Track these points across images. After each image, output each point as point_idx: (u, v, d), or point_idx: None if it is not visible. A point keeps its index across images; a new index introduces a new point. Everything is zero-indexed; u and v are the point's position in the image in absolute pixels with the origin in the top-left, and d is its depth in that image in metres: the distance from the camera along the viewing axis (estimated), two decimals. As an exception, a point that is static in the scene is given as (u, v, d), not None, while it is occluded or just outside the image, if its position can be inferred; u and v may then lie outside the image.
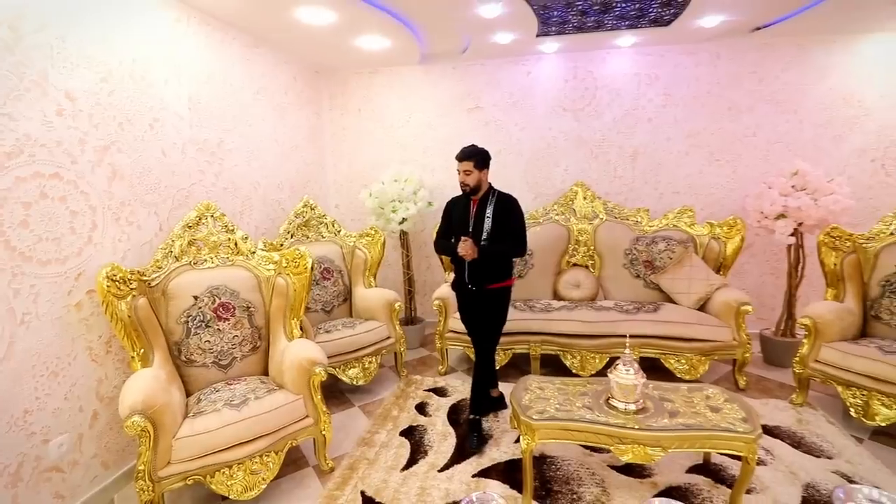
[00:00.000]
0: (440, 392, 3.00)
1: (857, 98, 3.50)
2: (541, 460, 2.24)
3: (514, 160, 4.05)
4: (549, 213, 3.75)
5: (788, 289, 3.31)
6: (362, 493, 2.06)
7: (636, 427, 1.79)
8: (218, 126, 2.82)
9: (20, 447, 1.73)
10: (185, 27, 2.55)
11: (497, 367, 3.12)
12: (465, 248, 2.32)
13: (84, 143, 1.98)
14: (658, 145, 3.83)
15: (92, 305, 2.02)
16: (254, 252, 2.50)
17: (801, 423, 2.50)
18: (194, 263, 2.33)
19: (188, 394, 2.15)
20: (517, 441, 2.41)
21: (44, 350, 1.82)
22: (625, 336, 2.92)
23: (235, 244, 2.46)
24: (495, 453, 2.33)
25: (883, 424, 2.28)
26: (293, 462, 2.30)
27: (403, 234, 3.77)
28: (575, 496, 1.99)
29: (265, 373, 2.40)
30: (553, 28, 3.22)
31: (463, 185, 2.39)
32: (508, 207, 2.42)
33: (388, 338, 3.13)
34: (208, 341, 2.23)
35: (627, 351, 1.96)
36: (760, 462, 2.18)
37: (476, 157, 2.34)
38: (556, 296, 3.53)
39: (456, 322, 3.17)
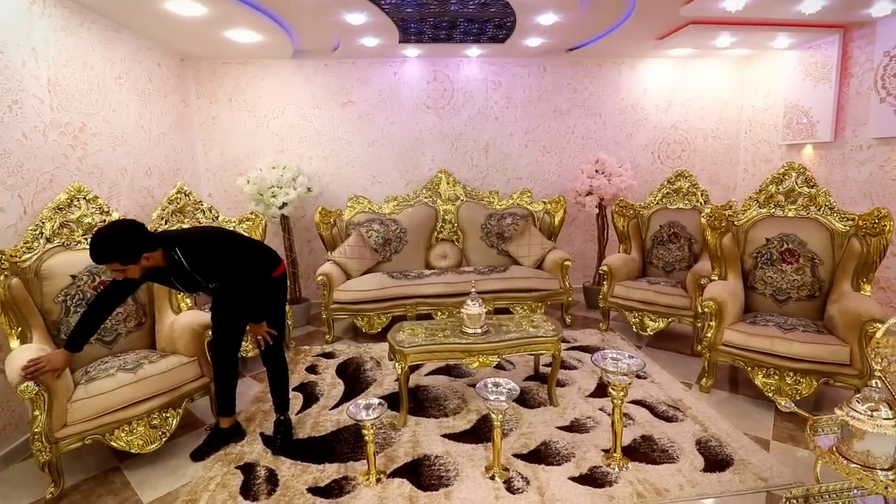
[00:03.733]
0: (328, 356, 3.35)
1: (640, 106, 4.68)
2: (416, 390, 2.75)
3: (387, 151, 4.51)
4: (419, 196, 4.30)
5: (599, 249, 4.33)
6: (261, 434, 2.35)
7: (480, 342, 2.40)
8: (80, 110, 2.78)
9: None
10: (41, 9, 2.50)
11: (377, 330, 3.58)
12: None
13: (-66, 121, 1.93)
14: (504, 139, 4.62)
15: (-46, 287, 1.97)
16: (133, 233, 2.57)
17: (604, 342, 3.42)
18: (67, 245, 2.35)
19: (71, 370, 2.20)
20: (397, 380, 2.90)
21: None
22: (483, 293, 3.59)
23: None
24: (378, 391, 2.78)
25: (651, 333, 3.28)
26: (189, 425, 2.47)
27: (284, 218, 3.99)
28: (441, 407, 2.54)
29: (151, 347, 2.51)
30: (412, 36, 3.74)
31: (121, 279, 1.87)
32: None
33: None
34: (91, 318, 2.29)
35: (473, 290, 2.56)
36: (573, 367, 2.99)
37: (116, 255, 1.73)
38: (428, 266, 4.10)
39: (341, 293, 3.55)
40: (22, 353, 1.87)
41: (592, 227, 4.76)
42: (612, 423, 2.01)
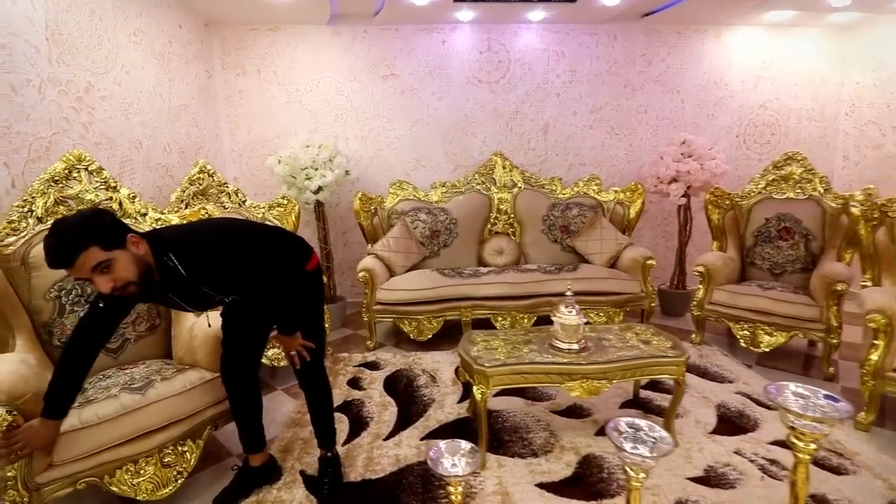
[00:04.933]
0: (372, 366, 2.84)
1: (725, 82, 4.05)
2: (487, 416, 2.21)
3: (433, 131, 3.97)
4: (471, 182, 3.75)
5: (679, 246, 3.73)
6: (302, 472, 1.84)
7: (584, 363, 1.84)
8: (86, 67, 2.31)
9: None
10: (37, -68, 2.02)
11: (428, 337, 3.05)
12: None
13: None
14: (566, 119, 4.04)
15: (-88, 278, 1.50)
16: (144, 214, 2.09)
17: (703, 358, 2.82)
18: (65, 227, 1.87)
19: (66, 385, 1.72)
20: (460, 401, 2.37)
21: None
22: (550, 295, 3.04)
23: (120, 204, 2.03)
24: (440, 415, 2.25)
25: (767, 350, 2.67)
26: (211, 454, 1.98)
27: (319, 205, 3.49)
28: (526, 442, 2.00)
29: (167, 356, 2.03)
30: (471, -7, 3.19)
31: (113, 291, 1.25)
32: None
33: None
34: (91, 320, 1.81)
35: (569, 293, 2.01)
36: (676, 392, 2.41)
37: (91, 235, 1.18)
38: (481, 263, 3.55)
39: (384, 293, 3.03)
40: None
41: (665, 221, 4.15)
42: (793, 483, 1.44)
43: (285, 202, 3.13)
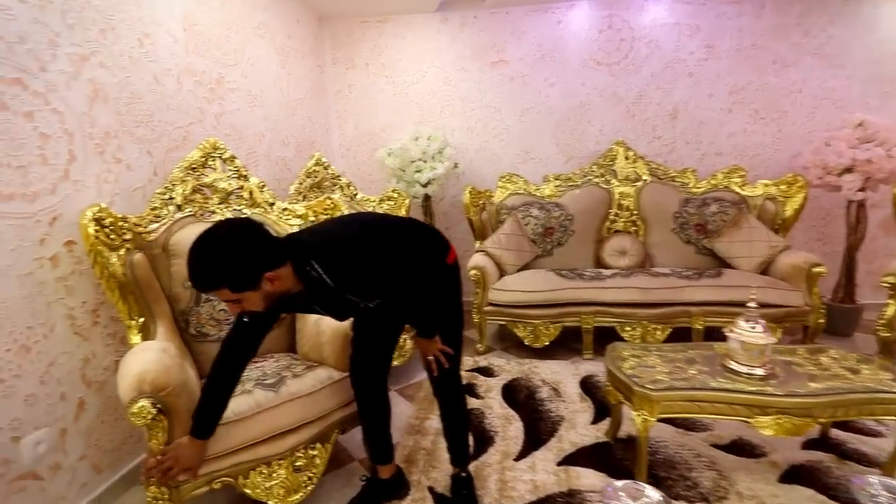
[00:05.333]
0: (485, 372, 2.62)
1: (909, 50, 3.29)
2: (628, 442, 1.89)
3: (544, 119, 3.68)
4: (589, 174, 3.40)
5: (847, 251, 3.08)
6: (430, 489, 1.66)
7: (779, 394, 1.46)
8: (217, 58, 2.34)
9: (-22, 449, 1.25)
10: (181, -76, 2.05)
11: (544, 344, 2.78)
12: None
13: (56, 47, 1.49)
14: (699, 102, 3.53)
15: (72, 262, 1.53)
16: (272, 203, 2.04)
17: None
18: (200, 215, 1.86)
19: (200, 376, 1.69)
20: (594, 422, 2.07)
21: (9, 316, 1.33)
22: (689, 304, 2.62)
23: (250, 193, 2.00)
24: (574, 436, 1.97)
25: None
26: (333, 458, 1.87)
27: (427, 199, 3.35)
28: (690, 482, 1.65)
29: (291, 350, 1.96)
30: (600, -39, 2.85)
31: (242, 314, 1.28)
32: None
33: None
34: (223, 310, 1.78)
35: (753, 304, 1.62)
36: (877, 433, 1.90)
37: (224, 277, 1.10)
38: (600, 264, 3.19)
39: (496, 293, 2.80)
40: (140, 356, 1.35)
41: (821, 223, 3.48)
42: None
43: (396, 196, 3.01)
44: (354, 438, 1.84)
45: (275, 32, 2.92)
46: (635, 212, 3.29)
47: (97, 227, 1.44)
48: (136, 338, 1.51)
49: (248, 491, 1.42)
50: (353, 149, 3.88)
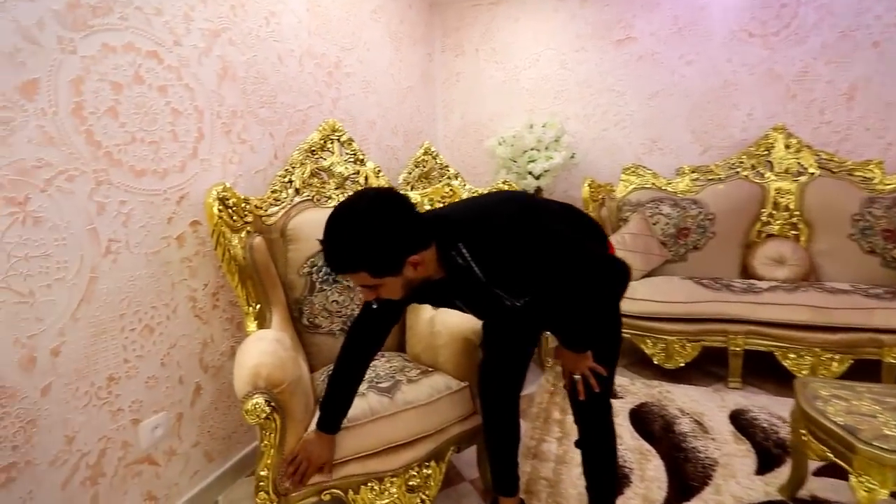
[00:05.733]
0: (606, 390, 2.28)
1: None
2: (815, 505, 1.46)
3: (677, 103, 3.19)
4: (736, 167, 2.88)
5: None
6: (559, 532, 1.39)
7: None
8: (336, 41, 2.26)
9: (102, 428, 1.23)
10: None
11: (678, 365, 2.35)
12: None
13: (190, 21, 1.45)
14: (887, 78, 2.82)
15: (196, 242, 1.50)
16: (387, 190, 1.90)
17: None
18: (317, 200, 1.77)
19: (311, 367, 1.59)
20: (760, 472, 1.64)
21: (136, 294, 1.31)
22: (881, 331, 2.05)
23: (366, 179, 1.88)
24: (734, 488, 1.57)
25: None
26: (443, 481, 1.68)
27: (538, 192, 3.06)
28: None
29: (400, 349, 1.80)
30: None
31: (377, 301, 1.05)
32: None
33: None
34: (336, 301, 1.66)
35: None
36: None
37: (363, 259, 0.92)
38: (749, 274, 2.67)
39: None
40: (256, 347, 1.25)
41: None
42: None
43: (507, 187, 2.76)
44: (466, 455, 1.63)
45: (389, 17, 2.82)
46: (797, 212, 2.71)
47: (221, 207, 1.38)
48: (251, 325, 1.43)
49: (357, 507, 1.27)
50: (457, 140, 3.71)
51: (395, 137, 2.94)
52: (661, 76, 3.20)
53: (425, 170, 2.75)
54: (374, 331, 1.21)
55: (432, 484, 1.36)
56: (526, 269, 0.99)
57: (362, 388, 1.35)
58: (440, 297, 1.15)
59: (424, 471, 1.34)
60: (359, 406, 1.28)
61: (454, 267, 0.99)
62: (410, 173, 2.68)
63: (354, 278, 0.96)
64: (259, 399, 1.12)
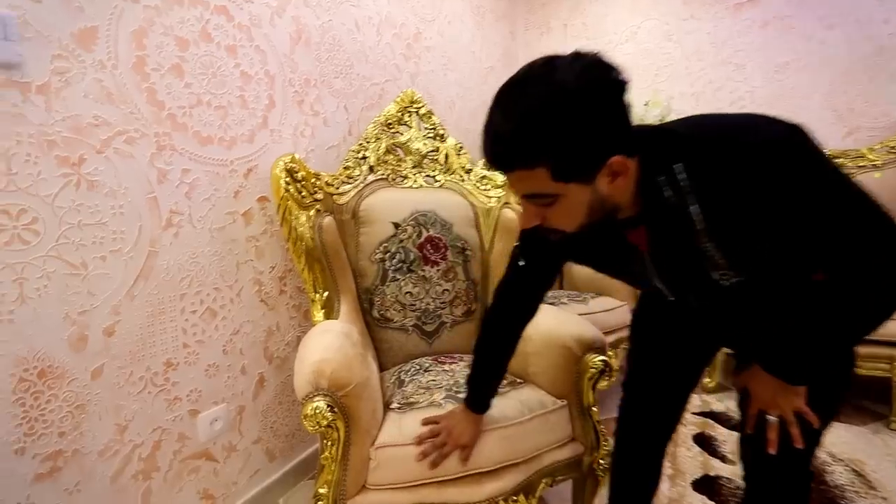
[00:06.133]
0: (719, 419, 1.88)
1: None
2: None
3: (812, 77, 2.65)
4: (898, 149, 2.31)
5: None
6: None
7: None
8: (416, 10, 2.07)
9: (157, 418, 1.11)
10: None
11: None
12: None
13: (264, -23, 1.32)
14: None
15: (263, 220, 1.37)
16: (469, 170, 1.68)
17: None
18: (392, 179, 1.58)
19: (381, 366, 1.40)
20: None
21: (197, 273, 1.19)
22: None
23: (445, 157, 1.66)
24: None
25: None
26: None
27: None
28: None
29: (479, 351, 1.57)
30: None
31: (546, 233, 0.72)
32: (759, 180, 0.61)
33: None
34: (409, 293, 1.46)
35: None
36: None
37: (550, 151, 0.60)
38: None
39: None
40: (321, 340, 1.08)
41: None
42: None
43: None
44: (562, 489, 1.34)
45: (472, -12, 2.60)
46: None
47: (288, 179, 1.23)
48: (318, 314, 1.27)
49: (430, 543, 1.05)
50: (541, 126, 3.39)
51: (474, 121, 2.70)
52: (793, 44, 2.67)
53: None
54: (524, 295, 0.98)
55: (520, 521, 1.10)
56: (779, 225, 0.62)
57: (438, 396, 1.14)
58: (616, 254, 0.81)
59: (512, 505, 1.09)
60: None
61: (656, 203, 0.66)
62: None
63: (523, 181, 0.65)
64: (320, 403, 0.94)
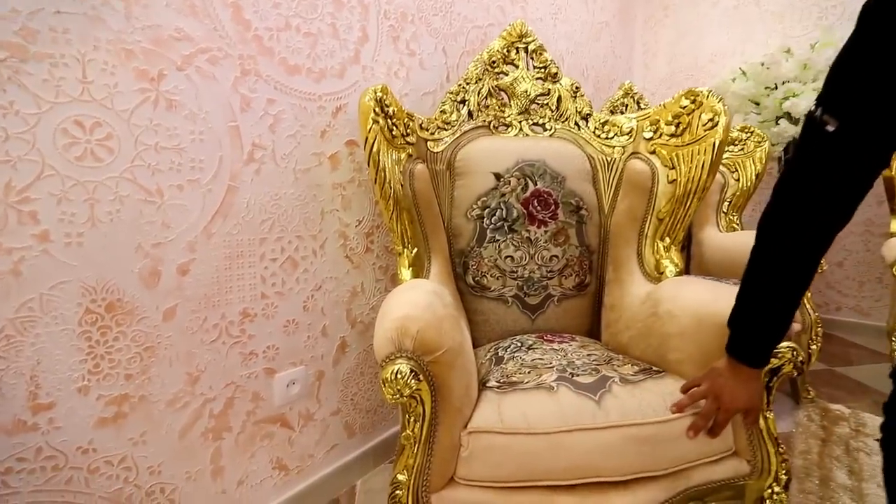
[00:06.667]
0: (932, 453, 1.38)
1: None
2: None
3: None
4: None
5: None
6: None
7: None
8: (527, -51, 1.83)
9: (231, 373, 1.01)
10: None
11: None
12: None
13: None
14: None
15: (352, 167, 1.23)
16: (587, 116, 1.39)
17: None
18: (495, 127, 1.36)
19: (474, 342, 1.19)
20: None
21: (279, 217, 1.07)
22: None
23: (558, 101, 1.40)
24: None
25: None
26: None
27: (787, 147, 2.16)
28: None
29: (590, 334, 1.29)
30: None
31: None
32: None
33: (786, 319, 1.66)
34: (510, 258, 1.23)
35: None
36: None
37: None
38: None
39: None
40: (408, 295, 0.89)
41: None
42: None
43: (744, 136, 2.00)
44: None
45: (589, -70, 2.28)
46: None
47: (378, 111, 1.06)
48: (406, 273, 1.09)
49: (534, 562, 0.81)
50: (659, 92, 2.95)
51: (585, 82, 2.38)
52: None
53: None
54: (837, 180, 0.59)
55: (657, 555, 0.81)
56: None
57: (549, 378, 0.89)
58: None
59: (644, 532, 0.81)
60: (544, 405, 0.82)
61: None
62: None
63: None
64: (403, 366, 0.75)
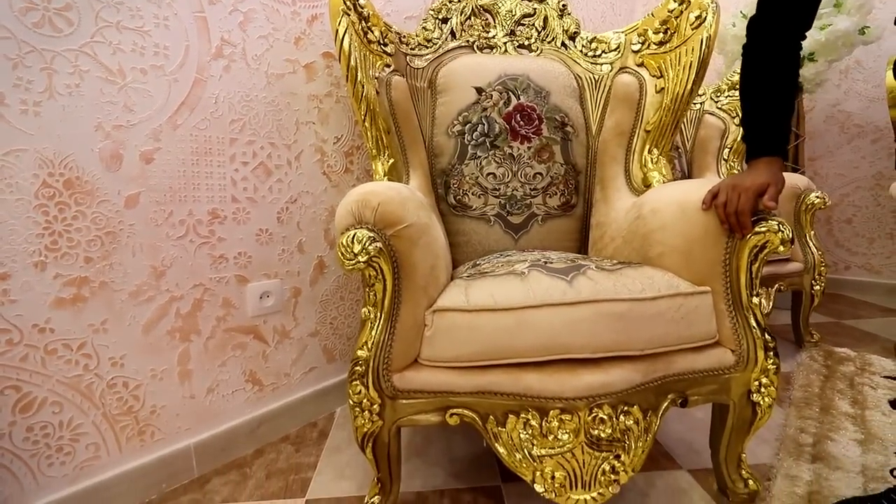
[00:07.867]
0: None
1: None
2: None
3: None
4: None
5: None
6: None
7: None
8: None
9: (200, 274, 0.99)
10: None
11: None
12: None
13: None
14: None
15: (329, 81, 1.20)
16: (574, 35, 1.35)
17: None
18: (479, 48, 1.32)
19: (454, 263, 1.15)
20: None
21: (251, 120, 1.05)
22: None
23: (544, 21, 1.35)
24: None
25: None
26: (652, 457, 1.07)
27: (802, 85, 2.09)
28: None
29: (581, 253, 1.25)
30: None
31: None
32: None
33: (788, 260, 1.60)
34: (493, 174, 1.19)
35: None
36: None
37: None
38: None
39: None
40: (370, 185, 0.85)
41: None
42: None
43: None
44: (697, 421, 0.97)
45: None
46: None
47: (349, 4, 1.02)
48: (379, 177, 1.06)
49: (500, 449, 0.77)
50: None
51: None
52: None
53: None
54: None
55: (635, 446, 0.77)
56: None
57: (520, 266, 0.85)
58: None
59: (623, 419, 0.76)
60: (514, 286, 0.78)
61: None
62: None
63: None
64: (362, 231, 0.72)
